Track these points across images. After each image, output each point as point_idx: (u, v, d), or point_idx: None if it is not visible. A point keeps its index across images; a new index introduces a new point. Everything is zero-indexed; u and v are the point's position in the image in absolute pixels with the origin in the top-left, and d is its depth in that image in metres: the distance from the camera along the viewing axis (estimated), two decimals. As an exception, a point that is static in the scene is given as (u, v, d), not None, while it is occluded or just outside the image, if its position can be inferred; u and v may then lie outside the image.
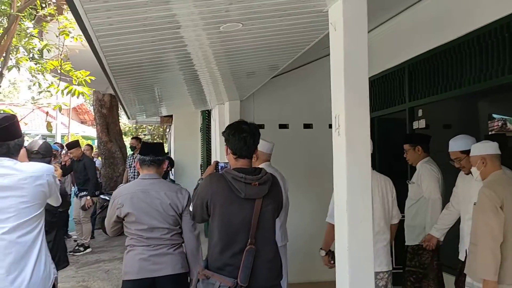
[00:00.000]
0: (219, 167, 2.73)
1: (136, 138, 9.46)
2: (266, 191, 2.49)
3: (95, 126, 12.02)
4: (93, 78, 5.11)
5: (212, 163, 2.77)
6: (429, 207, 3.94)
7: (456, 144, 3.51)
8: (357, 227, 2.26)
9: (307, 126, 6.22)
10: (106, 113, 11.22)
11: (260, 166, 3.53)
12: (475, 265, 2.87)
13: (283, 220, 3.98)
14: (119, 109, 11.76)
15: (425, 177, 3.96)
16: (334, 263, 3.16)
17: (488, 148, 2.98)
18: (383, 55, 4.87)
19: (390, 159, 4.41)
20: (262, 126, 6.08)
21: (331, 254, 3.29)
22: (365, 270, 2.30)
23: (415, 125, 4.65)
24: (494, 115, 7.47)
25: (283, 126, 6.19)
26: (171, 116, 11.33)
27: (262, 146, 3.60)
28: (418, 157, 4.09)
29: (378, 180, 3.36)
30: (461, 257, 3.46)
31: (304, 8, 2.57)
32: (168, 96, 6.20)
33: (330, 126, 6.47)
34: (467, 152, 3.33)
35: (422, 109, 4.60)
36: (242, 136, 2.51)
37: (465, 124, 5.45)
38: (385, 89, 5.18)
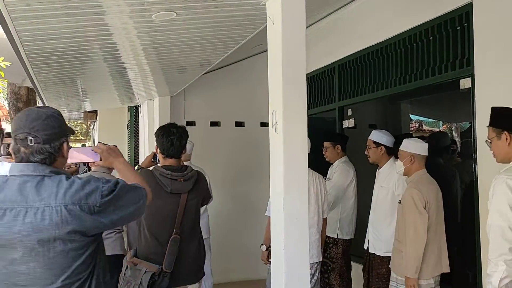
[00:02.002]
0: (157, 158, 3.00)
1: None
2: (190, 186, 2.77)
3: (10, 122, 11.10)
4: (8, 63, 4.66)
5: (150, 153, 3.08)
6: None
7: (373, 134, 3.75)
8: (293, 225, 2.22)
9: (239, 124, 6.16)
10: (23, 107, 10.40)
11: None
12: (399, 262, 3.03)
13: (205, 215, 4.34)
14: (37, 103, 10.95)
15: (337, 176, 4.16)
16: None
17: (419, 148, 3.15)
18: (315, 55, 4.93)
19: (320, 157, 4.49)
20: (193, 124, 5.94)
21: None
22: (301, 268, 2.27)
23: (345, 124, 4.74)
24: (412, 117, 7.89)
25: (214, 124, 6.08)
26: (95, 111, 10.75)
27: None
28: (337, 155, 4.27)
29: (313, 178, 3.48)
30: (365, 246, 3.70)
31: (241, 0, 2.49)
32: (92, 90, 5.83)
33: (262, 124, 6.52)
34: (376, 144, 3.68)
35: (352, 109, 4.72)
36: (169, 138, 2.77)
37: (389, 124, 5.69)
38: (317, 88, 5.24)
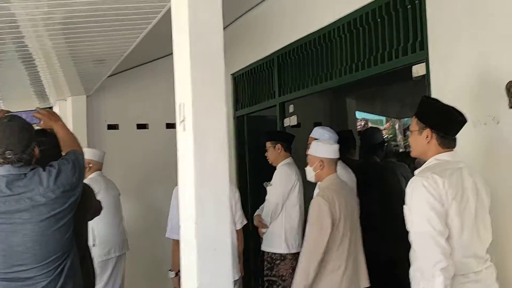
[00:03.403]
0: None
1: None
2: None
3: None
4: None
5: None
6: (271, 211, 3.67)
7: (314, 131, 3.46)
8: (210, 258, 1.61)
9: (170, 126, 5.51)
10: None
11: (92, 175, 3.54)
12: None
13: (121, 228, 4.04)
14: None
15: (277, 181, 3.69)
16: None
17: (329, 151, 2.93)
18: (248, 48, 4.40)
19: (260, 160, 3.96)
20: (115, 127, 5.28)
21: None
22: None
23: (287, 122, 4.25)
24: (357, 114, 7.52)
25: (141, 126, 5.44)
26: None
27: (93, 155, 3.84)
28: (278, 156, 3.76)
29: None
30: None
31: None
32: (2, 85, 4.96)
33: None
34: None
35: (294, 105, 4.23)
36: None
37: (336, 121, 5.29)
38: (253, 84, 4.74)
